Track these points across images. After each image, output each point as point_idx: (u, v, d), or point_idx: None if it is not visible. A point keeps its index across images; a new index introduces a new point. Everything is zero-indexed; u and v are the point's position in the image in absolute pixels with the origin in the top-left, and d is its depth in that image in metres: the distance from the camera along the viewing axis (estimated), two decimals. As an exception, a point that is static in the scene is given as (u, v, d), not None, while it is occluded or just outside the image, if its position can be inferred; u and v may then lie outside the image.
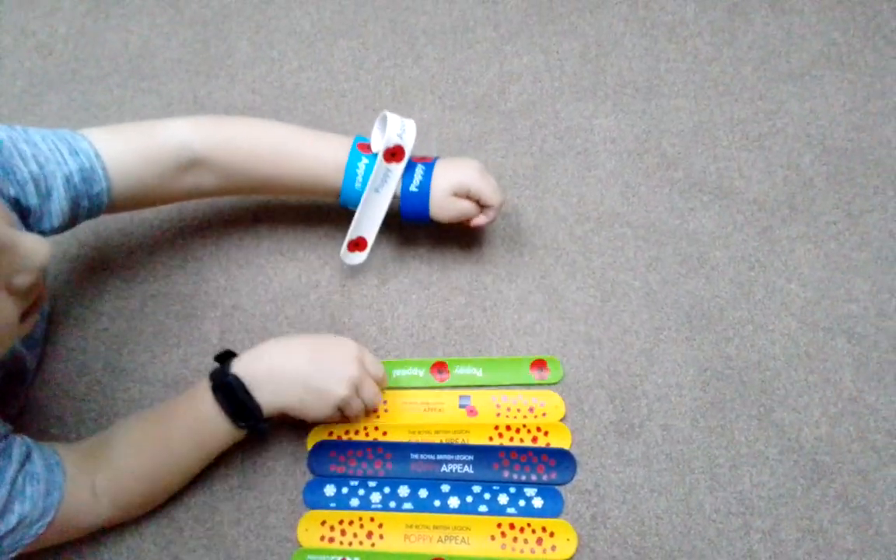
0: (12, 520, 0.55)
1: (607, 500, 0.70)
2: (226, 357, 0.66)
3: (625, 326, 0.77)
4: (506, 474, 0.70)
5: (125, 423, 0.67)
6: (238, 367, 0.64)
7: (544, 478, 0.70)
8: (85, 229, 0.81)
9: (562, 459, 0.71)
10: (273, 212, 0.82)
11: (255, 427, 0.66)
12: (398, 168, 0.71)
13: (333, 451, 0.71)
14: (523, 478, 0.70)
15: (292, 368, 0.66)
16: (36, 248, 0.47)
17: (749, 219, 0.82)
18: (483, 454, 0.71)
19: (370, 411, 0.71)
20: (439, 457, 0.71)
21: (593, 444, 0.72)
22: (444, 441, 0.72)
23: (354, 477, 0.71)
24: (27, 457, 0.57)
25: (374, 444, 0.72)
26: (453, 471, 0.70)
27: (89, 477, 0.62)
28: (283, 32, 0.93)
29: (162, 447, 0.66)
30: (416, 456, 0.71)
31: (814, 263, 0.80)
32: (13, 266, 0.47)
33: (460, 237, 0.81)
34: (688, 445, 0.72)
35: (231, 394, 0.64)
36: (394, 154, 0.71)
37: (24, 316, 0.50)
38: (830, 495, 0.70)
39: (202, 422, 0.65)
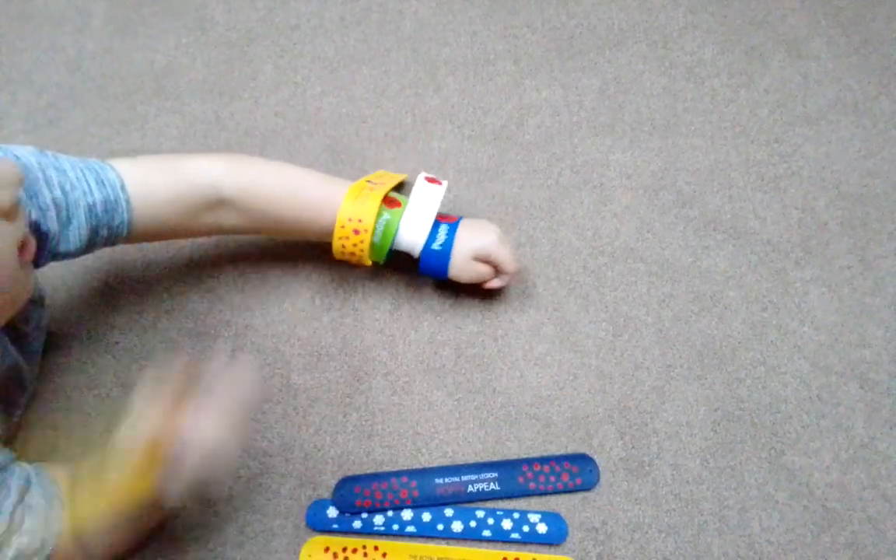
0: (9, 553, 0.54)
1: (615, 539, 0.69)
2: None
3: (636, 362, 0.77)
4: (532, 486, 0.70)
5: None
6: None
7: (570, 485, 0.70)
8: (103, 243, 0.82)
9: (584, 465, 0.71)
10: (289, 233, 0.83)
11: None
12: (439, 189, 0.74)
13: (358, 486, 0.71)
14: (549, 488, 0.70)
15: None
16: (6, 166, 0.49)
17: (763, 259, 0.82)
18: (507, 470, 0.71)
19: None
20: (464, 478, 0.71)
21: (602, 481, 0.71)
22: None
23: (382, 509, 0.70)
24: (26, 488, 0.57)
25: (399, 474, 0.71)
26: (479, 490, 0.70)
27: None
28: (308, 58, 0.94)
29: None
30: (440, 481, 0.71)
31: (827, 307, 0.79)
32: None
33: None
34: (697, 486, 0.71)
35: None
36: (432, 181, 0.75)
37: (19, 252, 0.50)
38: (840, 543, 0.69)
39: None
